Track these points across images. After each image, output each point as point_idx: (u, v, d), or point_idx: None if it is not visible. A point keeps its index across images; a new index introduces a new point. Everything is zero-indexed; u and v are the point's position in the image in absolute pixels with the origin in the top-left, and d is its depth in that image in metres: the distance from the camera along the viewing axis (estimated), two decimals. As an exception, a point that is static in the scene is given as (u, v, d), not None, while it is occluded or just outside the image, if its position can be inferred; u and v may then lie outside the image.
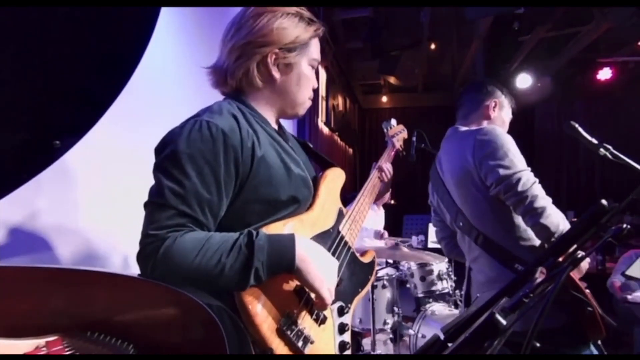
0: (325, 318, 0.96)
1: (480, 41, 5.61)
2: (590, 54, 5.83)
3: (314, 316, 0.94)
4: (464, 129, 1.76)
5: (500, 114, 1.79)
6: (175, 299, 0.69)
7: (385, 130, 1.66)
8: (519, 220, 1.55)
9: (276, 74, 1.02)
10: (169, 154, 0.86)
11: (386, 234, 3.62)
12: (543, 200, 1.46)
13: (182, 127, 0.90)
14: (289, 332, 0.86)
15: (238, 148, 0.90)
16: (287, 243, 0.87)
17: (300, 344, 0.87)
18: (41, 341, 0.65)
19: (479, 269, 1.67)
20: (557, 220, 1.44)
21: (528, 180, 1.48)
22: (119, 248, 1.74)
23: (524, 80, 6.07)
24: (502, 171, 1.50)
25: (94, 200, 1.61)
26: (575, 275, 1.45)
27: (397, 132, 1.65)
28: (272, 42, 0.99)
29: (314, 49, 1.07)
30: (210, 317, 0.63)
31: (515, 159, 1.52)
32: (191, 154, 0.86)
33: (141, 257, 0.82)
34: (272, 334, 0.84)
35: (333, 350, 0.98)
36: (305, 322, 0.91)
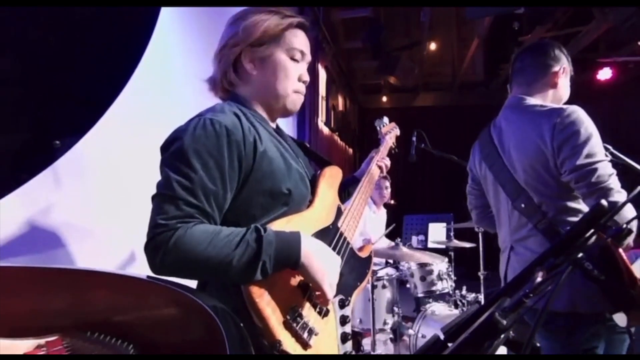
0: (327, 311, 1.00)
1: (480, 41, 5.61)
2: (590, 54, 5.83)
3: (317, 309, 0.98)
4: (532, 101, 1.60)
5: (566, 81, 1.64)
6: (176, 299, 0.69)
7: (378, 128, 1.66)
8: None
9: (252, 70, 1.07)
10: (176, 150, 0.91)
11: (373, 240, 3.50)
12: (617, 194, 1.34)
13: (187, 125, 0.95)
14: (295, 325, 0.90)
15: (241, 143, 0.95)
16: (293, 240, 0.91)
17: (305, 335, 0.91)
18: (41, 341, 0.65)
19: (528, 247, 1.55)
20: (625, 218, 1.26)
21: (605, 172, 1.37)
22: (119, 248, 1.74)
23: (524, 80, 6.05)
24: (579, 160, 1.39)
25: (94, 200, 1.61)
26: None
27: (389, 130, 1.65)
28: (241, 40, 1.05)
29: (292, 40, 1.08)
30: (211, 319, 0.63)
31: (596, 148, 1.40)
32: (197, 149, 0.90)
33: (150, 246, 0.85)
34: (280, 326, 0.88)
35: (336, 341, 1.02)
36: (310, 314, 0.95)
